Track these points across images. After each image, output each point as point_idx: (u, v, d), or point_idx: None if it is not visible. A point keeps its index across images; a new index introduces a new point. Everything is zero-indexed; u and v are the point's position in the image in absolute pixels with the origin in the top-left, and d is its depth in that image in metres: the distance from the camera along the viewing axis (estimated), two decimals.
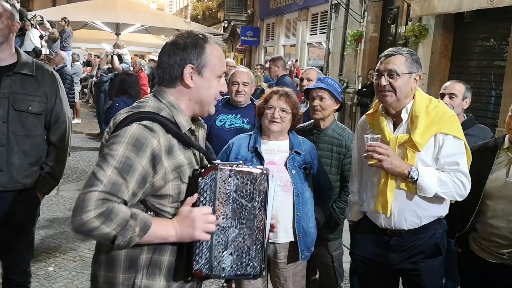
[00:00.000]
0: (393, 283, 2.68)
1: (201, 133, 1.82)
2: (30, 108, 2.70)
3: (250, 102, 3.75)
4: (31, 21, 11.20)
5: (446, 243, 2.59)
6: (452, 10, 7.05)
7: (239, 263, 1.65)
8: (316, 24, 14.06)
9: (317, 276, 3.55)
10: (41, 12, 14.06)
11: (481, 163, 2.57)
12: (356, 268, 2.71)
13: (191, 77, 1.67)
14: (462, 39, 7.89)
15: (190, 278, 1.64)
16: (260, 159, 2.71)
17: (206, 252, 1.62)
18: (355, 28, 10.82)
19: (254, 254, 1.67)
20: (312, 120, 3.27)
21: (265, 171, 1.68)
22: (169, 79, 1.68)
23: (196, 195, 1.60)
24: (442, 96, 3.42)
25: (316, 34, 14.12)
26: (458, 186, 2.32)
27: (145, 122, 1.57)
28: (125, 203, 1.51)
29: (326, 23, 12.75)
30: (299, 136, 2.90)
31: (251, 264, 1.66)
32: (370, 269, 2.63)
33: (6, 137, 2.66)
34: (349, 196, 2.84)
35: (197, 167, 1.67)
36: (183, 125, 1.67)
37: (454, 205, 2.51)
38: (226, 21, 19.90)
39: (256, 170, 1.66)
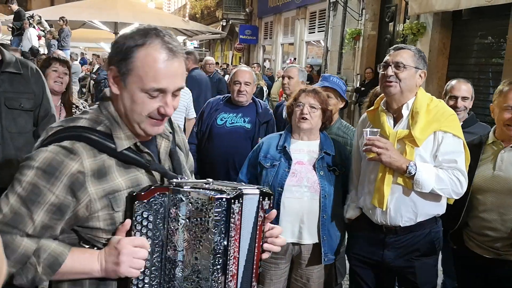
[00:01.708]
0: (389, 281, 2.69)
1: (163, 145, 1.52)
2: (22, 105, 2.75)
3: (251, 101, 3.74)
4: (29, 21, 11.19)
5: (442, 242, 2.60)
6: (450, 7, 7.05)
7: None
8: (314, 22, 14.07)
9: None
10: (39, 11, 14.05)
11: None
12: (352, 268, 2.71)
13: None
14: (460, 36, 7.90)
15: None
16: (288, 159, 2.69)
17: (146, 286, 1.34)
18: (353, 26, 10.83)
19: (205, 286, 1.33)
20: None
21: (229, 194, 1.33)
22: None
23: (128, 222, 1.32)
24: (454, 98, 3.33)
25: (314, 32, 14.13)
26: (455, 184, 2.34)
27: (65, 143, 1.31)
28: (29, 236, 1.28)
29: (324, 21, 12.75)
30: (331, 137, 2.88)
31: None
32: (365, 267, 2.64)
33: (1, 134, 2.69)
34: (348, 193, 2.83)
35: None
36: (121, 143, 1.37)
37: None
38: (225, 20, 19.89)
39: (211, 194, 1.33)
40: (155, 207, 1.34)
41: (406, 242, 2.48)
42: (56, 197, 1.28)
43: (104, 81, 10.50)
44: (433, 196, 2.37)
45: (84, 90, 17.27)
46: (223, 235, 1.34)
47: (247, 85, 3.62)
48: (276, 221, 2.59)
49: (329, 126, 3.15)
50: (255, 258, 1.54)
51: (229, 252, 1.36)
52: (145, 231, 1.34)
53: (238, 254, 1.42)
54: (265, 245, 1.57)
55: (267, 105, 3.90)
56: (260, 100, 3.89)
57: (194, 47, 28.98)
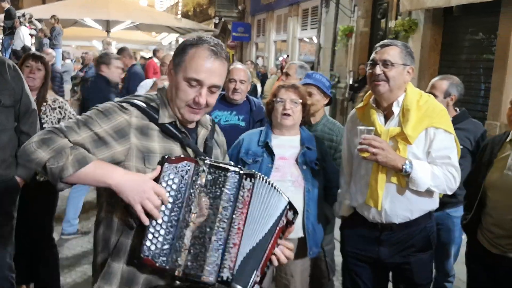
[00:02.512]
0: (383, 278, 2.69)
1: (202, 133, 1.79)
2: (2, 102, 2.76)
3: (245, 99, 3.74)
4: (20, 19, 11.12)
5: (436, 237, 2.61)
6: (441, 4, 7.09)
7: (194, 263, 1.54)
8: (307, 20, 14.08)
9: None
10: (30, 10, 13.96)
11: (487, 156, 2.62)
12: (347, 264, 2.71)
13: (170, 72, 1.70)
14: (452, 33, 7.95)
15: (137, 261, 1.54)
16: (271, 154, 2.70)
17: (163, 242, 1.52)
18: (346, 23, 10.85)
19: (209, 256, 1.54)
20: None
21: (242, 170, 1.58)
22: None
23: (158, 169, 1.54)
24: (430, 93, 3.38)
25: (307, 29, 14.13)
26: (450, 180, 2.35)
27: (123, 103, 1.65)
28: (71, 142, 1.54)
29: (316, 18, 12.77)
30: (309, 132, 2.89)
31: (204, 267, 1.54)
32: (361, 264, 2.62)
33: None
34: (339, 191, 2.83)
35: None
36: (162, 116, 1.67)
37: (467, 194, 2.55)
38: (217, 17, 19.85)
39: (232, 167, 1.58)
40: (181, 173, 1.55)
41: (402, 239, 2.47)
42: (102, 130, 1.57)
43: (92, 78, 10.45)
44: (427, 192, 2.38)
45: (76, 88, 17.21)
46: (231, 203, 1.56)
47: (242, 83, 3.62)
48: None
49: (313, 123, 3.17)
50: (267, 251, 1.69)
51: (233, 221, 1.56)
52: (169, 189, 1.53)
53: (243, 228, 1.58)
54: (277, 250, 1.73)
55: (261, 103, 3.91)
56: (254, 98, 3.90)
57: None
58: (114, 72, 4.85)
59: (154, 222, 1.52)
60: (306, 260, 2.82)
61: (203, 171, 1.56)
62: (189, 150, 1.69)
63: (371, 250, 2.54)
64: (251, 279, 1.63)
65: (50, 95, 3.47)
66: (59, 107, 3.43)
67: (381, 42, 2.46)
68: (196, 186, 1.55)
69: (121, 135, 1.59)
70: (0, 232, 2.92)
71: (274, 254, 1.72)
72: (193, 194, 1.55)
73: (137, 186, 1.50)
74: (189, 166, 1.55)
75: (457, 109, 3.45)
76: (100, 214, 1.70)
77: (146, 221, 1.50)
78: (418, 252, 2.49)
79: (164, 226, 1.53)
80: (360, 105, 2.60)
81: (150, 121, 1.65)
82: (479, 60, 7.36)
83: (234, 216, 1.56)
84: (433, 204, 2.49)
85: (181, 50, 1.67)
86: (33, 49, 10.85)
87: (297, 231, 2.70)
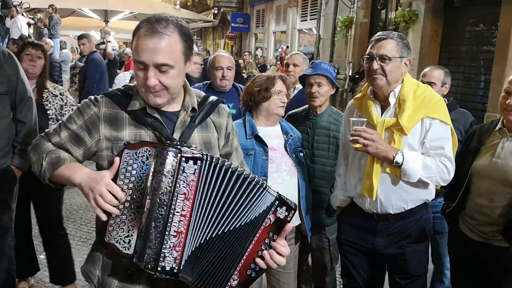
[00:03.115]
0: (379, 268, 2.70)
1: (181, 117, 1.73)
2: None
3: (231, 86, 3.73)
4: (17, 8, 11.03)
5: (432, 228, 2.61)
6: None
7: (144, 250, 1.49)
8: (307, 10, 14.00)
9: (308, 261, 3.58)
10: None
11: (473, 143, 2.64)
12: (343, 252, 2.73)
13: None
14: (452, 24, 7.90)
15: (103, 245, 1.57)
16: (263, 145, 2.69)
17: (122, 226, 1.52)
18: (346, 14, 10.79)
19: (151, 244, 1.48)
20: (307, 106, 3.26)
21: (182, 153, 1.49)
22: None
23: (116, 163, 1.53)
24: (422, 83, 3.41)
25: (306, 20, 14.06)
26: (442, 171, 2.34)
27: (97, 96, 1.73)
28: (53, 144, 1.70)
29: (316, 9, 12.70)
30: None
31: (145, 254, 1.49)
32: (357, 253, 2.64)
33: None
34: (336, 181, 2.84)
35: None
36: (133, 104, 1.69)
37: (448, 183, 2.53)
38: (216, 8, 19.75)
39: (173, 150, 1.49)
40: (141, 158, 1.54)
41: (397, 229, 2.48)
42: (76, 127, 1.69)
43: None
44: (422, 182, 2.38)
45: (75, 78, 17.14)
46: (169, 187, 1.48)
47: (229, 69, 3.62)
48: None
49: (318, 112, 3.16)
50: (245, 253, 1.59)
51: (172, 207, 1.48)
52: (127, 176, 1.54)
53: (190, 215, 1.51)
54: (264, 252, 1.62)
55: None
56: (240, 85, 3.87)
57: None
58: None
59: (116, 209, 1.50)
60: (297, 246, 2.89)
61: (164, 155, 1.49)
62: (159, 136, 1.67)
63: (367, 240, 2.55)
64: (221, 277, 1.58)
65: (49, 83, 3.50)
66: (60, 93, 3.45)
67: (377, 35, 2.43)
68: (156, 172, 1.50)
69: (91, 128, 1.68)
70: None
71: (260, 256, 1.61)
72: (154, 180, 1.50)
73: (91, 185, 1.52)
74: (150, 151, 1.53)
75: (446, 99, 3.46)
76: None
77: (103, 216, 1.50)
78: (413, 243, 2.50)
79: (126, 212, 1.53)
80: (358, 95, 2.60)
81: (121, 110, 1.69)
82: (479, 52, 7.32)
83: (172, 202, 1.48)
84: (428, 194, 2.49)
85: (134, 33, 1.62)
86: (32, 38, 10.79)
87: (295, 219, 2.73)
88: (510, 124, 2.50)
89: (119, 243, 1.53)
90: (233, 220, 1.57)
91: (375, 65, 2.35)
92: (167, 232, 1.49)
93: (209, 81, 3.79)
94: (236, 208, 1.57)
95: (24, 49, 3.40)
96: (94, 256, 1.73)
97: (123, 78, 4.27)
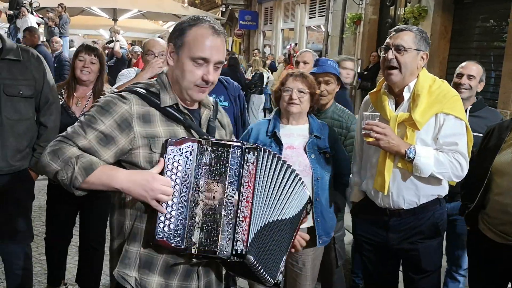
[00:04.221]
0: (394, 263, 2.71)
1: (205, 114, 1.83)
2: (21, 92, 2.76)
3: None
4: (27, 8, 11.12)
5: (445, 224, 2.60)
6: None
7: (208, 240, 1.59)
8: (315, 7, 13.96)
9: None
10: None
11: (493, 140, 2.58)
12: (359, 248, 2.74)
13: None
14: (462, 20, 7.84)
15: (153, 244, 1.62)
16: (279, 144, 2.69)
17: (176, 223, 1.58)
18: (354, 11, 10.74)
19: (222, 231, 1.59)
20: None
21: (244, 145, 1.62)
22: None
23: (162, 161, 1.59)
24: (460, 75, 3.36)
25: (314, 17, 14.02)
26: (455, 167, 2.32)
27: (122, 93, 1.68)
28: (80, 148, 1.60)
29: (324, 6, 12.65)
30: (319, 120, 2.87)
31: (218, 242, 1.59)
32: (371, 248, 2.65)
33: (0, 122, 2.71)
34: (350, 176, 2.83)
35: None
36: (164, 100, 1.71)
37: (466, 182, 2.52)
38: (224, 5, 19.72)
39: (235, 143, 1.62)
40: (186, 154, 1.60)
41: (410, 225, 2.48)
42: (105, 127, 1.61)
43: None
44: (434, 178, 2.36)
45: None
46: (236, 177, 1.60)
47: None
48: None
49: (323, 110, 3.15)
50: (291, 242, 1.89)
51: (241, 194, 1.60)
52: (175, 171, 1.60)
53: (252, 200, 1.62)
54: (295, 242, 1.94)
55: (229, 78, 3.80)
56: (223, 76, 3.82)
57: None
58: None
59: (164, 205, 1.58)
60: (317, 249, 2.81)
61: (207, 150, 1.60)
62: (193, 132, 1.72)
63: (380, 235, 2.56)
64: (281, 263, 1.78)
65: (106, 87, 3.33)
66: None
67: (396, 27, 2.45)
68: (202, 165, 1.60)
69: (124, 126, 1.63)
70: (15, 223, 2.91)
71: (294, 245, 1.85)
72: (199, 173, 1.60)
73: (144, 186, 1.55)
74: (192, 146, 1.60)
75: (476, 97, 3.45)
76: (113, 200, 1.76)
77: (163, 210, 1.57)
78: (426, 239, 2.49)
79: (175, 208, 1.59)
80: (374, 90, 2.60)
81: (151, 107, 1.68)
82: (489, 48, 7.27)
83: (241, 189, 1.60)
84: (441, 190, 2.48)
85: (180, 32, 1.69)
86: (42, 38, 10.86)
87: (307, 220, 2.70)
88: None
89: (170, 238, 1.58)
90: (285, 209, 1.78)
91: (390, 55, 2.35)
92: (238, 217, 1.60)
93: None
94: (286, 198, 1.78)
95: (77, 54, 3.21)
96: (128, 257, 1.69)
97: (128, 74, 4.25)
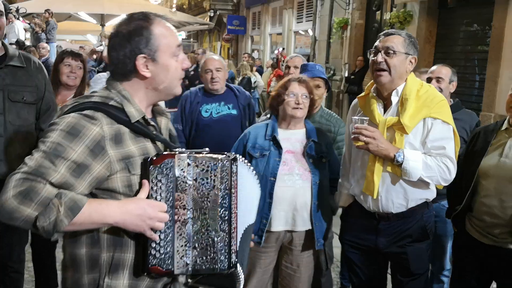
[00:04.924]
0: (382, 267, 2.72)
1: (164, 122, 1.71)
2: (24, 98, 2.77)
3: (226, 87, 3.72)
4: (13, 14, 11.05)
5: (433, 227, 2.62)
6: None
7: (204, 257, 1.52)
8: (302, 12, 14.06)
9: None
10: (24, 4, 13.85)
11: (479, 144, 2.61)
12: (346, 253, 2.74)
13: (146, 66, 1.54)
14: (446, 24, 7.95)
15: (146, 273, 1.50)
16: (278, 148, 2.72)
17: (165, 246, 1.48)
18: (341, 16, 10.85)
19: (219, 246, 1.54)
20: None
21: (226, 156, 1.55)
22: (123, 73, 1.57)
23: (147, 184, 1.46)
24: (429, 80, 3.43)
25: (302, 22, 14.11)
26: (443, 171, 2.33)
27: (86, 112, 1.47)
28: (52, 186, 1.37)
29: (312, 10, 12.74)
30: (314, 125, 2.92)
31: (216, 258, 1.54)
32: (359, 252, 2.65)
33: (4, 127, 2.72)
34: (339, 180, 2.86)
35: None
36: (133, 115, 1.53)
37: (452, 185, 2.53)
38: (212, 10, 19.76)
39: (219, 155, 1.54)
40: (166, 171, 1.48)
41: (399, 228, 2.49)
42: (77, 155, 1.40)
43: (90, 71, 10.39)
44: (423, 182, 2.38)
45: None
46: (227, 191, 1.55)
47: (219, 71, 3.59)
48: (268, 210, 2.65)
49: (312, 114, 3.20)
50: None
51: (232, 206, 1.56)
52: (159, 192, 1.48)
53: (237, 210, 1.59)
54: None
55: (241, 88, 3.89)
56: (235, 85, 3.89)
57: (182, 39, 28.76)
58: None
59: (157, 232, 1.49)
60: (311, 252, 2.86)
61: (188, 164, 1.50)
62: (159, 144, 1.61)
63: (369, 240, 2.56)
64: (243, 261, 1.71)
65: (87, 92, 3.39)
66: None
67: (385, 31, 2.47)
68: (186, 181, 1.50)
69: (97, 151, 1.43)
70: (13, 226, 2.92)
71: None
72: (183, 190, 1.50)
73: (141, 216, 1.43)
74: (171, 162, 1.48)
75: (451, 100, 3.50)
76: (74, 233, 1.52)
77: (157, 238, 1.47)
78: (414, 242, 2.51)
79: (162, 230, 1.48)
80: (362, 94, 2.61)
81: (119, 124, 1.50)
82: (473, 52, 7.38)
83: (231, 201, 1.56)
84: (429, 193, 2.50)
85: (145, 38, 1.52)
86: (28, 43, 10.79)
87: (305, 223, 2.75)
88: None
89: (161, 263, 1.48)
90: (252, 213, 1.75)
91: (380, 57, 2.35)
92: (231, 230, 1.57)
93: (202, 85, 3.80)
94: (251, 201, 1.74)
95: (63, 59, 3.27)
96: None
97: (100, 80, 4.17)
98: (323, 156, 2.78)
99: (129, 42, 1.52)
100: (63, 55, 3.35)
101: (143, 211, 1.43)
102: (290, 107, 2.74)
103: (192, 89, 3.80)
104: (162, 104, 4.67)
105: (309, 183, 2.71)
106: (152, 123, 1.60)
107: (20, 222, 1.33)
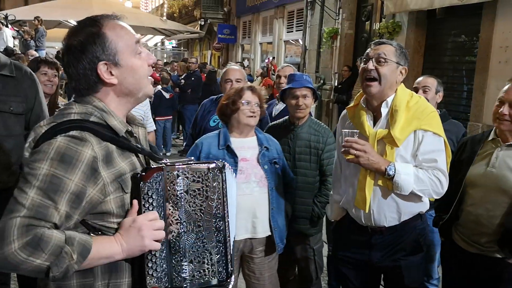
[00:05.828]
0: (374, 281, 2.69)
1: (141, 133, 1.62)
2: (11, 108, 2.72)
3: None
4: (1, 21, 10.99)
5: (427, 239, 2.58)
6: (424, 7, 7.18)
7: (201, 271, 1.49)
8: (293, 22, 14.14)
9: (296, 271, 3.60)
10: (13, 11, 13.78)
11: (466, 153, 2.63)
12: (339, 267, 2.69)
13: (110, 73, 1.43)
14: (435, 35, 8.05)
15: None
16: (234, 156, 2.73)
17: (161, 263, 1.44)
18: (331, 25, 10.93)
19: (217, 258, 1.51)
20: (287, 117, 3.30)
21: (217, 165, 1.52)
22: (88, 87, 1.44)
23: (136, 202, 1.41)
24: (416, 90, 3.46)
25: (292, 31, 14.20)
26: (435, 184, 2.30)
27: (73, 133, 1.34)
28: (56, 227, 1.29)
29: (302, 20, 12.83)
30: (263, 132, 2.97)
31: (214, 270, 1.51)
32: (352, 267, 2.60)
33: None
34: (330, 193, 2.84)
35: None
36: (119, 128, 1.44)
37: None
38: (203, 19, 19.83)
39: (205, 165, 1.51)
40: (155, 186, 1.43)
41: (392, 242, 2.45)
42: (75, 185, 1.30)
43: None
44: (415, 195, 2.34)
45: (60, 91, 17.02)
46: (220, 200, 1.51)
47: (238, 82, 3.62)
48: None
49: (301, 123, 3.20)
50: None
51: (225, 215, 1.53)
52: (151, 208, 1.43)
53: (229, 218, 1.56)
54: None
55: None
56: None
57: (173, 47, 28.78)
58: None
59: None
60: (272, 258, 2.90)
61: (177, 176, 1.45)
62: (141, 157, 1.54)
63: (362, 254, 2.52)
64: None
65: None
66: None
67: (377, 40, 2.46)
68: (177, 194, 1.45)
69: (91, 174, 1.34)
70: None
71: None
72: (175, 204, 1.45)
73: (141, 241, 1.38)
74: (159, 176, 1.43)
75: (439, 110, 3.53)
76: None
77: (153, 258, 1.44)
78: (408, 255, 2.46)
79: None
80: (351, 104, 2.57)
81: (105, 141, 1.40)
82: (461, 62, 7.47)
83: (224, 211, 1.53)
84: (422, 206, 2.46)
85: (100, 44, 1.41)
86: (17, 51, 10.72)
87: (265, 230, 2.79)
88: (502, 134, 2.48)
89: (159, 280, 1.44)
90: (234, 219, 1.70)
91: (370, 65, 2.32)
92: (226, 239, 1.54)
93: (222, 95, 3.81)
94: (233, 206, 1.67)
95: (39, 68, 3.26)
96: None
97: None
98: (276, 162, 2.84)
99: (83, 53, 1.41)
100: (38, 63, 3.34)
101: (141, 236, 1.38)
102: (245, 116, 2.77)
103: (213, 97, 3.86)
104: (148, 112, 4.69)
105: (266, 189, 2.76)
106: (135, 135, 1.53)
107: (29, 272, 1.26)
